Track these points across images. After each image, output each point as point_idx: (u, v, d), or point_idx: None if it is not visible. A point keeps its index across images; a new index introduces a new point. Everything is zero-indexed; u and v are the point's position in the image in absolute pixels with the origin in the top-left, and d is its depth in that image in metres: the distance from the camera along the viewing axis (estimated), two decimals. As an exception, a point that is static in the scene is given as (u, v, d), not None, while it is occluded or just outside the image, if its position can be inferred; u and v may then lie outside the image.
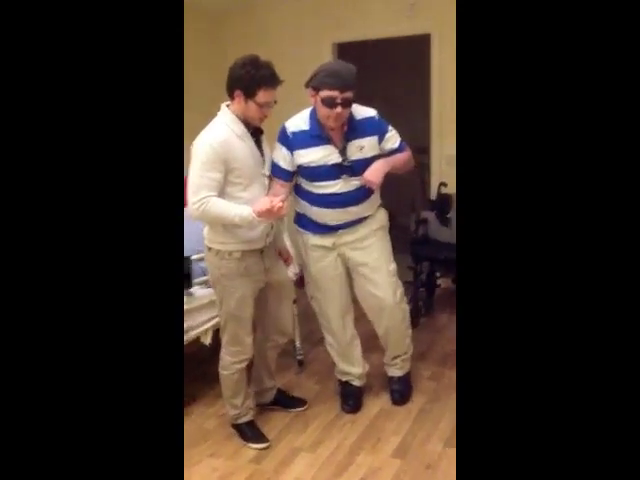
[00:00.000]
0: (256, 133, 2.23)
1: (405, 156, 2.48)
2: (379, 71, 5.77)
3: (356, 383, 2.72)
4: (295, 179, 2.43)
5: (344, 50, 4.60)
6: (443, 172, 4.24)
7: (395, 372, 2.75)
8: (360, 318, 2.73)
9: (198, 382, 2.87)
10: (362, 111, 2.37)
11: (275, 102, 2.16)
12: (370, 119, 2.38)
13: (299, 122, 2.34)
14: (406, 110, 5.63)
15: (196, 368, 3.02)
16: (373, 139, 2.36)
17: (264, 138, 2.29)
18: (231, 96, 2.14)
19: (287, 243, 2.72)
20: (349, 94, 2.19)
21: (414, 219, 3.92)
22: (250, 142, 2.18)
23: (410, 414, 2.64)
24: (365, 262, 2.48)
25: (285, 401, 2.70)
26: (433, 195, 4.13)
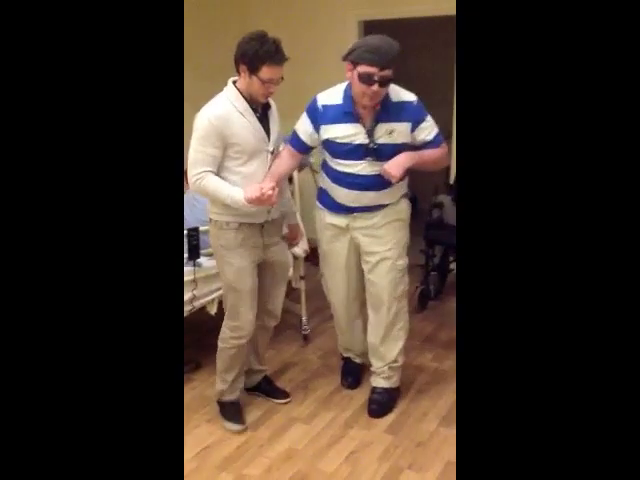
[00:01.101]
0: (264, 109, 2.20)
1: (438, 152, 2.29)
2: (407, 52, 5.69)
3: (357, 360, 2.72)
4: (310, 158, 2.39)
5: (371, 29, 4.56)
6: (463, 156, 4.20)
7: (380, 382, 2.54)
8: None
9: (203, 350, 2.93)
10: (400, 94, 2.23)
11: (282, 79, 2.11)
12: (407, 104, 2.22)
13: (333, 96, 2.23)
14: (433, 94, 5.60)
15: (202, 337, 3.09)
16: (406, 125, 2.20)
17: (272, 113, 2.25)
18: (237, 71, 2.12)
19: (298, 221, 2.71)
20: (388, 72, 2.07)
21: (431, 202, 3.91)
22: (252, 118, 2.14)
23: (408, 393, 2.66)
24: (374, 251, 2.37)
25: (268, 389, 2.63)
26: (452, 180, 4.11)
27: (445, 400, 2.60)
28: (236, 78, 2.16)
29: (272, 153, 2.23)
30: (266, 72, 2.05)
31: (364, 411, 2.51)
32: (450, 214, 3.78)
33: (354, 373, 2.71)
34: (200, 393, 2.66)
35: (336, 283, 2.52)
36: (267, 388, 2.63)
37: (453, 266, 4.09)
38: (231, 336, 2.32)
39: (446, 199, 3.83)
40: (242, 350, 2.36)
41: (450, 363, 2.94)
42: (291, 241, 2.64)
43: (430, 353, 3.06)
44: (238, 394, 2.46)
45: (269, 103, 2.23)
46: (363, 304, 2.58)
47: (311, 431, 2.39)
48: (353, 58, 2.09)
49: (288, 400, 2.59)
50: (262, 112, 2.19)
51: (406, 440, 2.33)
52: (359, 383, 2.70)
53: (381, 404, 2.51)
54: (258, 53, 2.02)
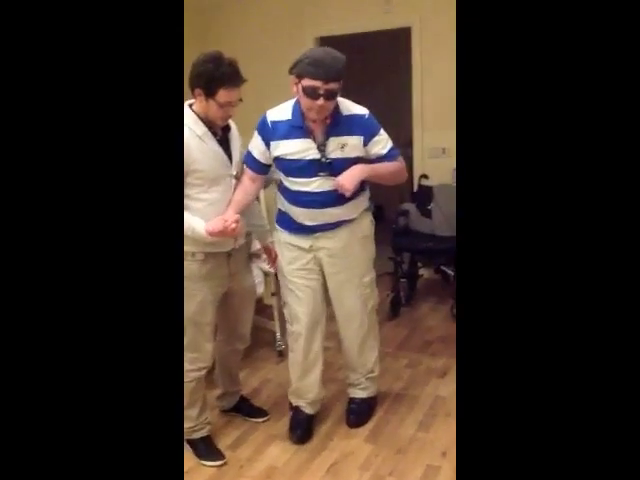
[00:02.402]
0: (224, 131, 2.14)
1: (393, 166, 2.25)
2: (364, 65, 5.79)
3: (307, 410, 2.48)
4: (274, 175, 2.30)
5: (327, 44, 4.63)
6: (425, 165, 4.29)
7: (357, 393, 2.53)
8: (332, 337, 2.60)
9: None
10: (351, 107, 2.19)
11: (240, 100, 2.06)
12: (358, 117, 2.17)
13: (281, 112, 2.18)
14: (390, 105, 5.71)
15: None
16: (358, 139, 2.15)
17: (233, 135, 2.18)
18: (193, 94, 2.04)
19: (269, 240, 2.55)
20: (334, 85, 2.01)
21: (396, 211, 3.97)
22: (212, 142, 2.07)
23: (386, 400, 2.69)
24: (340, 270, 2.31)
25: (246, 409, 2.59)
26: (415, 188, 4.19)
27: (421, 405, 2.63)
28: (192, 101, 2.08)
29: (236, 178, 2.17)
30: (223, 95, 1.98)
31: (343, 422, 2.53)
32: (415, 221, 3.86)
33: (303, 425, 2.45)
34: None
35: (300, 308, 2.35)
36: (245, 408, 2.60)
37: (422, 272, 4.16)
38: (190, 369, 2.18)
39: (411, 207, 3.91)
40: (201, 383, 2.27)
41: (424, 368, 2.98)
42: (270, 262, 2.48)
43: (405, 359, 3.10)
44: (208, 429, 2.36)
45: (229, 125, 2.17)
46: (323, 339, 2.43)
47: (291, 447, 2.39)
48: (297, 72, 2.05)
49: (267, 418, 2.57)
50: (222, 135, 2.13)
51: (386, 448, 2.35)
52: (310, 436, 2.43)
53: (359, 414, 2.52)
54: (214, 76, 1.95)
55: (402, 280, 3.88)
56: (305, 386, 2.45)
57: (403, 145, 4.43)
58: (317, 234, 2.28)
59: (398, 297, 3.77)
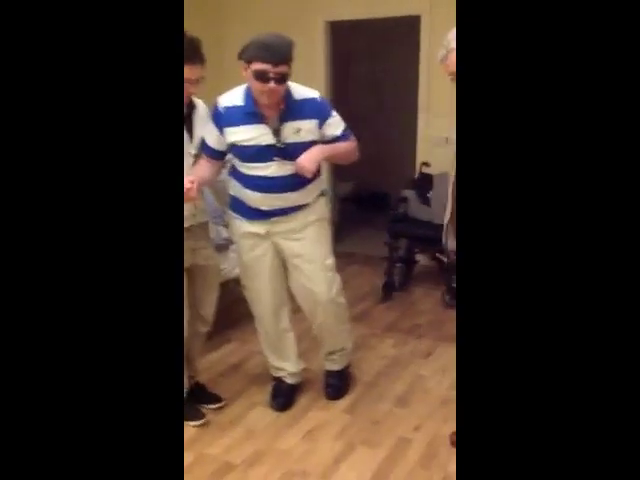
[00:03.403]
0: (188, 110, 2.13)
1: (348, 145, 2.28)
2: (372, 51, 5.84)
3: (289, 380, 2.56)
4: (227, 159, 2.31)
5: (337, 29, 4.68)
6: (428, 152, 4.33)
7: (331, 366, 2.61)
8: (299, 313, 2.57)
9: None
10: (303, 91, 2.19)
11: (202, 78, 2.05)
12: (311, 100, 2.19)
13: (234, 97, 2.17)
14: (396, 91, 5.75)
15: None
16: (312, 122, 2.17)
17: (198, 114, 2.18)
18: None
19: None
20: (283, 68, 2.01)
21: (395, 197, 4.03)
22: None
23: (366, 376, 2.77)
24: (299, 254, 2.32)
25: (201, 395, 2.55)
26: (416, 175, 4.23)
27: (402, 383, 2.71)
28: None
29: (196, 156, 2.17)
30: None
31: (323, 394, 2.61)
32: (414, 208, 3.90)
33: (285, 394, 2.54)
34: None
35: (261, 293, 2.41)
36: (200, 395, 2.55)
37: (418, 258, 4.21)
38: None
39: (411, 194, 3.96)
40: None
41: (409, 348, 3.05)
42: None
43: (391, 340, 3.17)
44: (186, 389, 2.39)
45: (194, 103, 2.17)
46: (291, 315, 2.51)
47: (271, 414, 2.48)
48: (246, 57, 2.04)
49: (222, 404, 2.52)
50: (187, 113, 2.13)
51: (361, 419, 2.43)
52: (291, 404, 2.52)
53: (337, 387, 2.59)
54: None
55: (397, 265, 3.94)
56: (279, 362, 2.56)
57: (411, 133, 4.50)
58: (273, 219, 2.28)
59: (391, 281, 3.83)
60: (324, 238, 2.38)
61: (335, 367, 2.61)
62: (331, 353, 2.57)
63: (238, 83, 2.22)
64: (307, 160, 2.12)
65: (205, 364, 2.83)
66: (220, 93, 2.26)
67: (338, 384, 2.61)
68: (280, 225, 2.30)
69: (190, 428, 2.37)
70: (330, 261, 2.39)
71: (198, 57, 2.01)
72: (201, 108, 2.21)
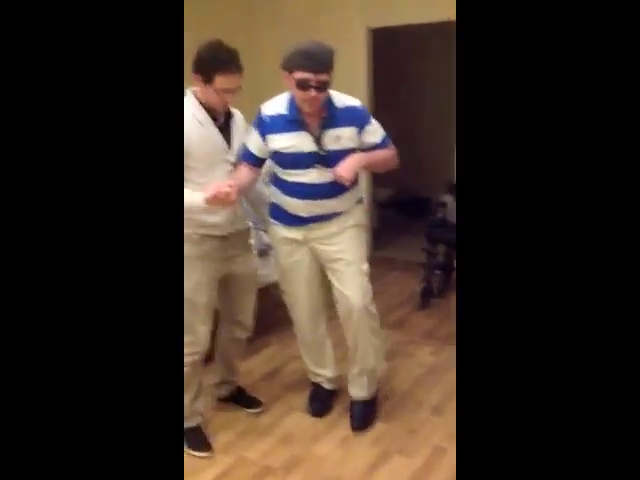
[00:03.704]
0: (226, 118, 2.19)
1: (387, 153, 2.31)
2: (414, 57, 5.83)
3: (326, 386, 2.59)
4: (269, 167, 2.36)
5: (379, 36, 4.70)
6: (468, 158, 4.30)
7: (358, 393, 2.48)
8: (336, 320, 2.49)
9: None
10: (344, 99, 2.24)
11: (240, 87, 2.09)
12: (352, 108, 2.23)
13: (277, 106, 2.22)
14: (435, 96, 5.72)
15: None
16: (352, 130, 2.21)
17: (235, 123, 2.23)
18: (194, 80, 2.10)
19: None
20: (324, 77, 2.05)
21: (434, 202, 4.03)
22: (211, 127, 2.13)
23: (403, 384, 2.79)
24: (336, 258, 2.32)
25: (242, 399, 2.63)
26: (455, 179, 4.22)
27: (439, 391, 2.71)
28: (196, 88, 2.15)
29: (234, 164, 2.22)
30: (220, 82, 2.03)
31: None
32: (453, 213, 3.89)
33: (323, 399, 2.57)
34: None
35: (299, 298, 2.44)
36: (241, 399, 2.63)
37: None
38: (185, 352, 2.19)
39: (449, 198, 3.95)
40: (196, 368, 2.28)
41: (446, 356, 3.05)
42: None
43: (429, 347, 3.18)
44: (199, 419, 2.39)
45: (231, 112, 2.23)
46: (329, 321, 2.53)
47: (309, 419, 2.53)
48: (288, 66, 2.09)
49: (261, 409, 2.59)
50: (224, 122, 2.18)
51: (398, 428, 2.45)
52: (328, 410, 2.56)
53: (363, 417, 2.47)
54: (211, 62, 2.02)
55: (436, 272, 3.94)
56: (316, 367, 2.59)
57: (446, 137, 4.48)
58: (310, 225, 2.31)
59: (429, 288, 3.83)
60: (361, 243, 2.39)
61: (362, 395, 2.48)
62: (360, 374, 2.46)
63: (276, 92, 2.28)
64: (345, 169, 2.15)
65: (245, 368, 2.90)
66: (258, 102, 2.31)
67: (364, 414, 2.48)
68: (317, 231, 2.32)
69: (229, 432, 2.45)
70: (366, 267, 2.38)
71: (236, 67, 2.05)
72: (238, 117, 2.27)
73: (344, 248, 2.32)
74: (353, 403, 2.50)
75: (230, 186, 2.00)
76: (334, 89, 2.23)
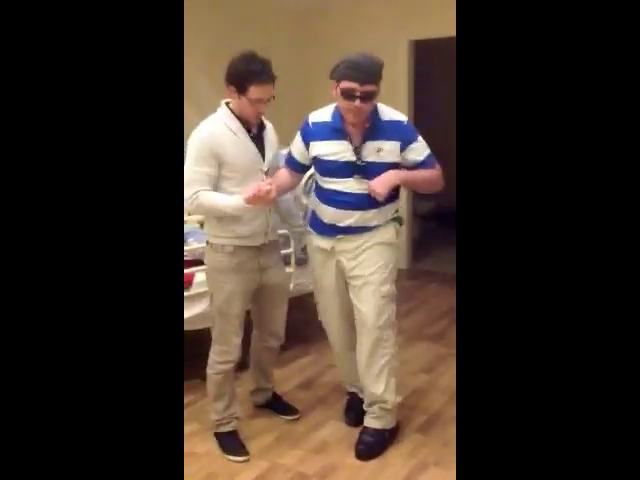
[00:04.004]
0: (258, 129, 2.23)
1: (430, 174, 2.26)
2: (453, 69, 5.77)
3: (361, 396, 2.50)
4: (312, 177, 2.36)
5: (421, 48, 4.71)
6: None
7: (370, 422, 2.38)
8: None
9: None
10: (391, 113, 2.23)
11: (273, 98, 2.13)
12: (397, 123, 2.21)
13: (323, 114, 2.26)
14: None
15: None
16: (394, 144, 2.18)
17: (267, 134, 2.27)
18: (227, 92, 2.14)
19: None
20: (370, 87, 2.06)
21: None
22: (245, 137, 2.16)
23: (442, 396, 2.75)
24: (357, 275, 2.28)
25: (278, 406, 2.64)
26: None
27: (478, 405, 2.66)
28: (229, 100, 2.19)
29: (267, 174, 2.23)
30: (254, 92, 2.06)
31: (399, 413, 2.61)
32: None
33: (357, 409, 2.49)
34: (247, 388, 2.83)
35: (329, 309, 2.44)
36: (276, 405, 2.65)
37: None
38: (217, 361, 2.28)
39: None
40: (229, 376, 2.32)
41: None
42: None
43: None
44: (235, 424, 2.40)
45: (264, 123, 2.27)
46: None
47: (344, 428, 2.52)
48: (336, 76, 2.10)
49: (297, 416, 2.59)
50: (257, 132, 2.22)
51: (435, 439, 2.41)
52: (363, 420, 2.44)
53: (370, 445, 2.34)
54: (244, 73, 2.05)
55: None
56: (349, 375, 2.55)
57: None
58: (339, 236, 2.28)
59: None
60: (387, 263, 2.29)
61: (374, 424, 2.37)
62: (371, 405, 2.37)
63: (325, 104, 2.30)
64: (380, 183, 2.13)
65: (282, 376, 2.92)
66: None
67: (371, 443, 2.35)
68: (344, 243, 2.29)
69: (266, 437, 2.46)
70: (386, 288, 2.28)
71: (269, 77, 2.09)
72: (269, 128, 2.30)
73: (366, 266, 2.27)
74: (363, 430, 2.40)
75: (270, 184, 2.04)
76: (378, 102, 2.21)
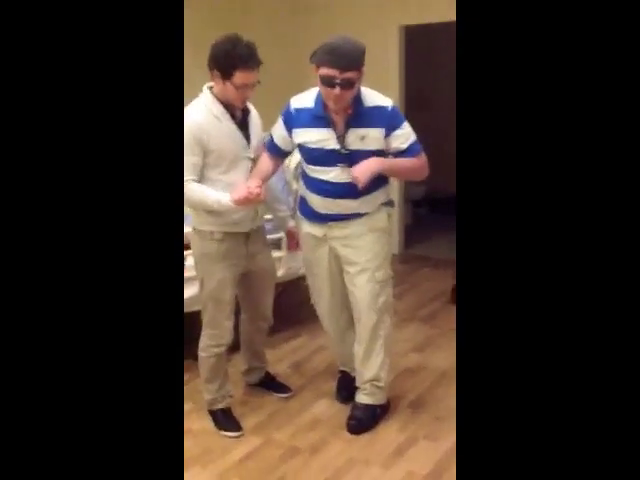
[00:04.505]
0: (243, 115, 2.18)
1: (412, 162, 2.18)
2: (447, 55, 5.81)
3: (353, 374, 2.53)
4: (300, 161, 2.35)
5: (412, 33, 4.72)
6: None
7: (362, 398, 2.41)
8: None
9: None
10: (375, 98, 2.15)
11: (258, 82, 2.07)
12: (381, 109, 2.13)
13: (305, 100, 2.18)
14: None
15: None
16: (378, 131, 2.11)
17: (252, 119, 2.22)
18: (211, 76, 2.07)
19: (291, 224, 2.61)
20: (351, 74, 1.97)
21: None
22: (229, 123, 2.12)
23: (433, 374, 2.81)
24: (353, 261, 2.27)
25: (271, 385, 2.68)
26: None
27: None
28: (212, 84, 2.12)
29: (254, 161, 2.21)
30: (239, 77, 2.00)
31: (391, 390, 2.65)
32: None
33: (349, 387, 2.53)
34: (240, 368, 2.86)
35: (320, 293, 2.45)
36: (269, 384, 2.69)
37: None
38: (210, 344, 2.31)
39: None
40: (222, 358, 2.36)
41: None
42: (292, 247, 2.63)
43: (459, 340, 3.17)
44: (228, 401, 2.45)
45: (248, 108, 2.22)
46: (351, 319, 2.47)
47: (336, 405, 2.57)
48: (315, 60, 2.02)
49: (291, 394, 2.64)
50: (242, 118, 2.18)
51: (425, 414, 2.47)
52: (354, 398, 2.49)
53: (361, 420, 2.38)
54: (230, 57, 1.98)
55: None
56: (342, 356, 2.60)
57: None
58: (330, 223, 2.27)
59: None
60: (381, 249, 2.30)
61: (365, 400, 2.41)
62: (364, 383, 2.41)
63: (309, 88, 2.24)
64: (361, 171, 2.08)
65: (275, 357, 2.96)
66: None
67: (362, 418, 2.39)
68: (336, 230, 2.28)
69: (261, 414, 2.50)
70: (381, 273, 2.29)
71: (255, 62, 2.03)
72: (254, 113, 2.27)
73: (362, 252, 2.27)
74: (353, 405, 2.44)
75: (259, 186, 2.03)
76: (365, 87, 2.17)
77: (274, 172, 2.35)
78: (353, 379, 2.60)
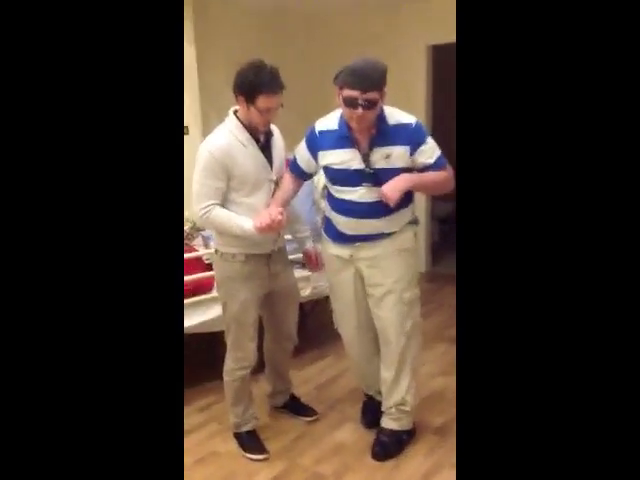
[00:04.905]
0: (266, 137, 2.23)
1: (440, 176, 2.19)
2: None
3: (378, 398, 2.51)
4: (325, 182, 2.36)
5: (439, 53, 4.73)
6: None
7: (388, 423, 2.40)
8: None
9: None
10: (398, 116, 2.16)
11: (282, 106, 2.13)
12: (405, 126, 2.14)
13: (329, 122, 2.22)
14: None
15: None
16: (403, 149, 2.12)
17: (275, 141, 2.28)
18: (237, 101, 2.14)
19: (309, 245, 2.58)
20: (373, 95, 2.00)
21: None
22: (254, 148, 2.17)
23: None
24: (379, 283, 2.26)
25: (296, 408, 2.68)
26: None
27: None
28: (237, 108, 2.19)
29: (276, 183, 2.25)
30: (263, 102, 2.06)
31: (418, 412, 2.63)
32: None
33: (374, 412, 2.51)
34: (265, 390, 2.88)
35: (345, 316, 2.43)
36: (294, 407, 2.69)
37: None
38: (234, 368, 2.33)
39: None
40: (245, 381, 2.37)
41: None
42: (311, 267, 2.59)
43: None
44: (254, 423, 2.46)
45: (271, 130, 2.27)
46: (375, 343, 2.43)
47: (361, 430, 2.55)
48: (338, 83, 2.05)
49: (315, 417, 2.64)
50: (264, 141, 2.22)
51: (452, 441, 2.43)
52: (379, 422, 2.46)
53: (386, 446, 2.36)
54: (253, 83, 2.04)
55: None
56: (367, 379, 2.57)
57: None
58: (357, 244, 2.26)
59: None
60: (408, 270, 2.29)
61: (392, 425, 2.40)
62: (389, 407, 2.39)
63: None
64: (390, 189, 2.08)
65: (301, 378, 2.97)
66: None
67: (388, 444, 2.37)
68: (363, 251, 2.27)
69: (284, 437, 2.51)
70: (409, 294, 2.28)
71: (278, 86, 2.08)
72: (277, 134, 2.30)
73: (388, 274, 2.25)
74: (381, 430, 2.42)
75: (281, 213, 2.07)
76: (393, 106, 2.19)
77: (296, 193, 2.37)
78: (378, 403, 2.57)
